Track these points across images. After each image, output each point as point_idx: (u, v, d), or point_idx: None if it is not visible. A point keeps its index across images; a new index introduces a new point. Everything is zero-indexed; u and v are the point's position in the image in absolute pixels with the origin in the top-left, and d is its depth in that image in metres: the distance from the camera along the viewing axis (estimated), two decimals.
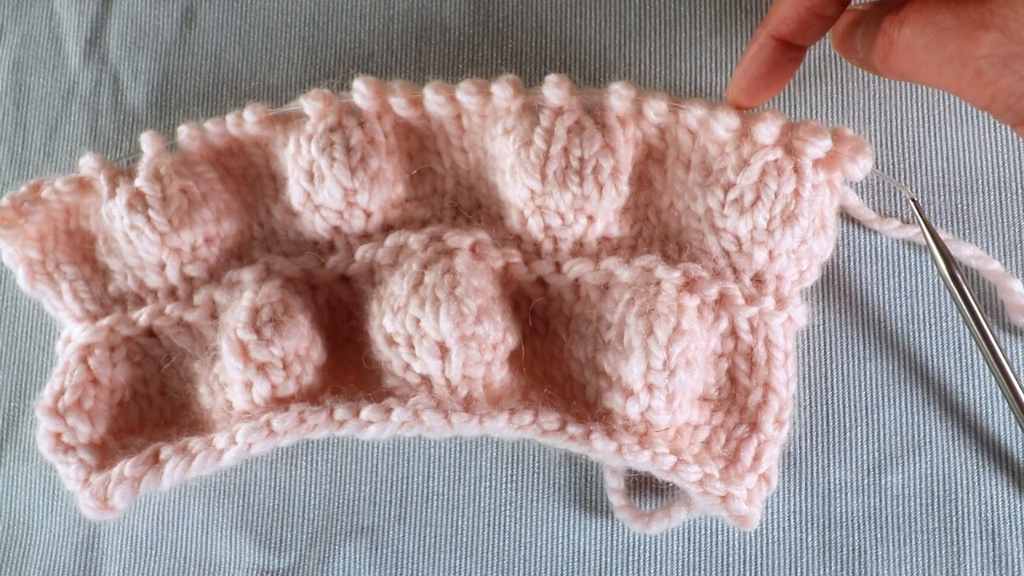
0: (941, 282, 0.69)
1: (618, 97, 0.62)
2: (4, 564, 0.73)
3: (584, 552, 0.70)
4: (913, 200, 0.66)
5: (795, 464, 0.69)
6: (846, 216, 0.71)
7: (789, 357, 0.65)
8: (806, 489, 0.69)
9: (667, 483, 0.65)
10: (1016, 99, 0.47)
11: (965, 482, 0.68)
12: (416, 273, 0.63)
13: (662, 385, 0.61)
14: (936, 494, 0.68)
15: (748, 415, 0.65)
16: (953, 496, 0.68)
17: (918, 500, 0.68)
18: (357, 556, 0.71)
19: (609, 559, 0.70)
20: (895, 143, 0.72)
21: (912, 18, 0.52)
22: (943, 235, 0.69)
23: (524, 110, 0.64)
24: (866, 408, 0.69)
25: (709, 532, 0.69)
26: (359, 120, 0.65)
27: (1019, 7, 0.46)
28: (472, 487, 0.71)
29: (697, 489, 0.62)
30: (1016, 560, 0.67)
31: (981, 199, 0.71)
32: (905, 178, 0.71)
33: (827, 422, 0.69)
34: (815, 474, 0.69)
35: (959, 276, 0.64)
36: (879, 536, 0.68)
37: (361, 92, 0.65)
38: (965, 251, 0.69)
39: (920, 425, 0.69)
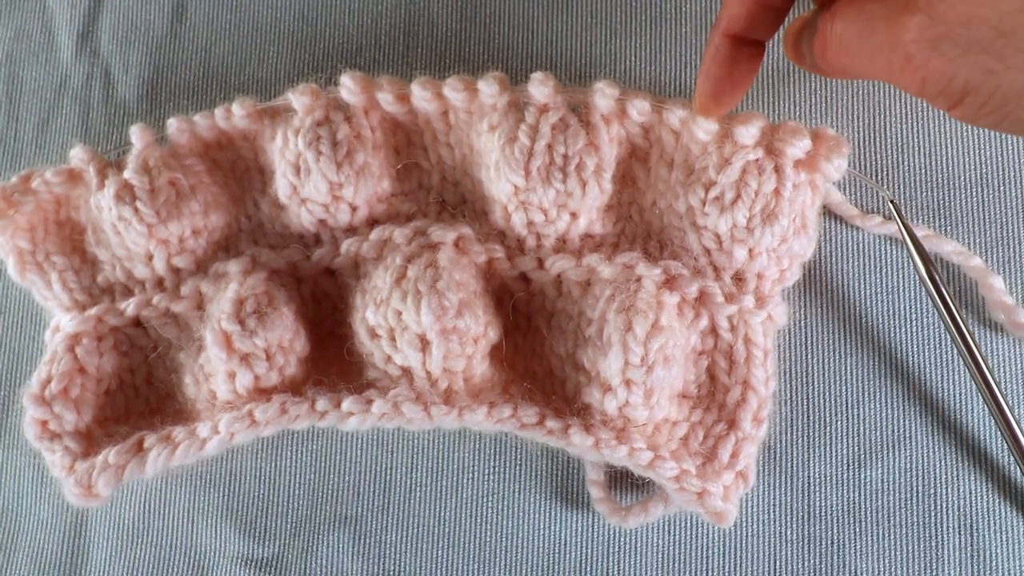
0: None
1: (602, 96, 0.63)
2: None
3: (565, 543, 0.71)
4: (892, 202, 0.66)
5: (775, 458, 0.70)
6: (828, 212, 0.71)
7: (769, 355, 0.66)
8: (785, 483, 0.70)
9: (646, 478, 0.65)
10: (947, 82, 0.46)
11: (943, 477, 0.69)
12: (399, 266, 0.63)
13: (640, 381, 0.61)
14: (915, 489, 0.69)
15: (727, 412, 0.65)
16: (932, 491, 0.69)
17: (897, 494, 0.69)
18: (340, 546, 0.72)
19: (590, 550, 0.70)
20: (878, 139, 0.72)
21: (843, 12, 0.52)
22: (924, 231, 0.69)
23: (510, 107, 0.64)
24: (846, 403, 0.70)
25: (689, 525, 0.70)
26: (346, 115, 0.66)
27: None
28: (455, 478, 0.72)
29: (674, 485, 0.62)
30: (993, 555, 0.68)
31: (963, 195, 0.71)
32: (887, 174, 0.71)
33: (807, 416, 0.70)
34: (794, 468, 0.70)
35: (938, 279, 0.64)
36: (858, 530, 0.69)
37: (349, 87, 0.65)
38: (946, 247, 0.69)
39: (899, 420, 0.69)
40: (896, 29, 0.47)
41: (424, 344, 0.62)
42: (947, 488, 0.69)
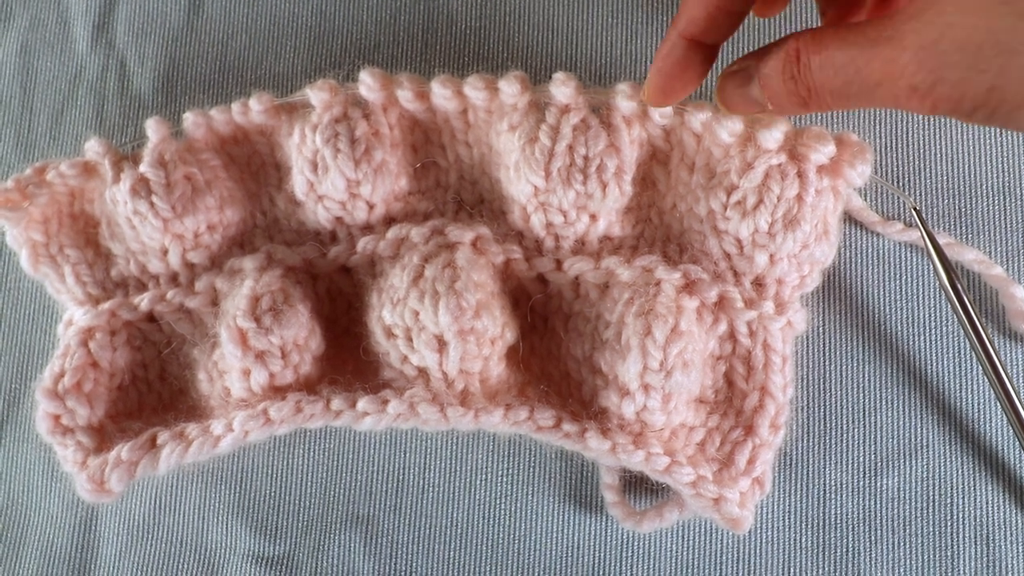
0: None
1: (625, 97, 0.62)
2: (2, 544, 0.74)
3: (578, 547, 0.70)
4: (915, 209, 0.66)
5: (791, 464, 0.69)
6: (849, 218, 0.70)
7: (787, 362, 0.66)
8: (801, 490, 0.69)
9: (662, 483, 0.65)
10: (955, 103, 0.47)
11: (960, 487, 0.69)
12: (416, 266, 0.63)
13: (658, 385, 0.61)
14: (931, 498, 0.69)
15: (744, 419, 0.65)
16: (948, 500, 0.68)
17: (913, 503, 0.69)
18: (352, 545, 0.71)
19: (603, 555, 0.70)
20: (900, 146, 0.72)
21: (819, 60, 0.51)
22: (946, 239, 0.69)
23: (531, 107, 0.64)
24: (863, 410, 0.69)
25: (703, 531, 0.70)
26: (364, 112, 0.66)
27: (924, 17, 0.47)
28: (468, 480, 0.71)
29: (690, 491, 0.62)
30: (1009, 566, 0.67)
31: (984, 204, 0.71)
32: (909, 182, 0.71)
33: (824, 423, 0.70)
34: (811, 475, 0.69)
35: (959, 287, 0.64)
36: (873, 538, 0.68)
37: (368, 84, 0.65)
38: (967, 255, 0.69)
39: (917, 429, 0.69)
40: (891, 68, 0.48)
41: (441, 345, 0.62)
42: (964, 498, 0.68)
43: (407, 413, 0.62)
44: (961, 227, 0.71)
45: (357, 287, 0.69)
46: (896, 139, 0.72)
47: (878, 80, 0.49)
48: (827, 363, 0.70)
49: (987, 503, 0.68)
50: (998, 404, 0.68)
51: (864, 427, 0.69)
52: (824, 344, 0.70)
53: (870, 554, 0.68)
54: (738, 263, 0.64)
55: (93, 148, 0.67)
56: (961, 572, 0.68)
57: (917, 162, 0.71)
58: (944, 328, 0.70)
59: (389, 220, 0.68)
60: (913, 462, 0.69)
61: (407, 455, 0.72)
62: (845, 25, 0.51)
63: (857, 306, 0.70)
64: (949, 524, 0.68)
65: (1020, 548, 0.68)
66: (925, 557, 0.68)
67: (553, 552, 0.70)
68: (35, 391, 0.65)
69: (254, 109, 0.67)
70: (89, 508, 0.73)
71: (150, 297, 0.68)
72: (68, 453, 0.65)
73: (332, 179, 0.65)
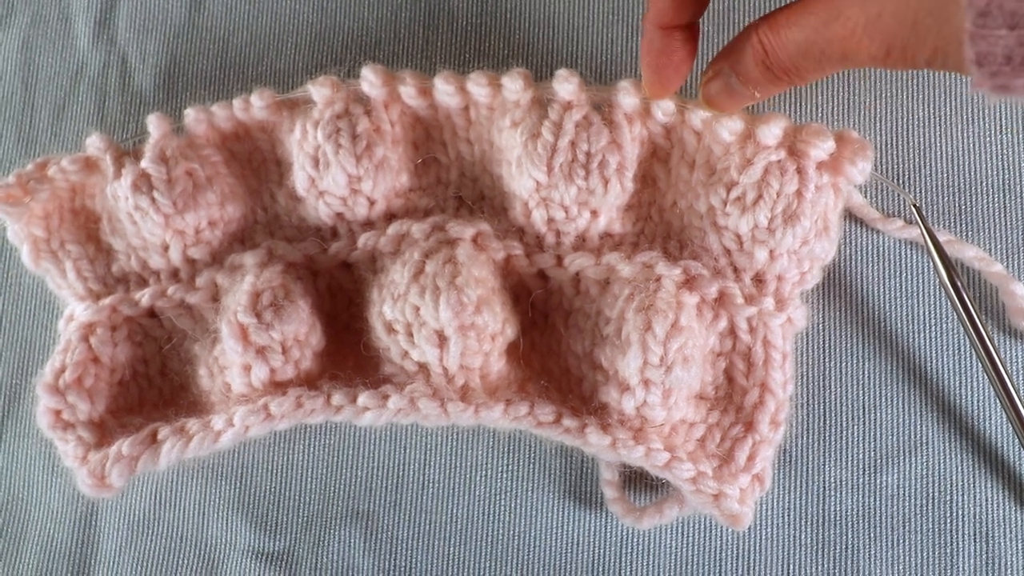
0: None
1: (627, 95, 0.63)
2: (2, 539, 0.74)
3: (578, 543, 0.70)
4: (915, 206, 0.66)
5: (790, 461, 0.69)
6: (849, 215, 0.70)
7: (787, 358, 0.66)
8: (801, 486, 0.69)
9: (661, 479, 0.65)
10: (909, 63, 0.50)
11: (960, 484, 0.68)
12: (417, 262, 0.63)
13: (658, 381, 0.61)
14: (931, 495, 0.68)
15: (744, 415, 0.65)
16: (948, 497, 0.68)
17: (913, 500, 0.69)
18: (352, 541, 0.71)
19: (602, 551, 0.70)
20: (900, 144, 0.72)
21: (781, 43, 0.54)
22: (946, 236, 0.69)
23: (533, 103, 0.64)
24: (863, 407, 0.69)
25: (703, 527, 0.70)
26: (366, 108, 0.66)
27: None
28: (468, 475, 0.71)
29: (690, 487, 0.62)
30: (1009, 563, 0.67)
31: (985, 201, 0.71)
32: (910, 179, 0.71)
33: (823, 420, 0.70)
34: (810, 472, 0.69)
35: (959, 284, 0.64)
36: (873, 535, 0.68)
37: (370, 80, 0.65)
38: (968, 253, 0.69)
39: (916, 426, 0.69)
40: (848, 43, 0.51)
41: (442, 340, 0.62)
42: (963, 495, 0.68)
43: (407, 408, 0.62)
44: (961, 224, 0.71)
45: (358, 283, 0.69)
46: (896, 136, 0.72)
47: (842, 54, 0.52)
48: (827, 360, 0.70)
49: (987, 500, 0.68)
50: (998, 402, 0.68)
51: (864, 424, 0.69)
52: (824, 341, 0.70)
53: (869, 551, 0.68)
54: (738, 259, 0.64)
55: (94, 144, 0.67)
56: (960, 569, 0.68)
57: (917, 159, 0.71)
58: (944, 325, 0.70)
59: (390, 216, 0.68)
60: (913, 459, 0.69)
61: (407, 451, 0.72)
62: (794, 7, 0.53)
63: (857, 303, 0.70)
64: (949, 521, 0.68)
65: (1019, 545, 0.68)
66: (924, 554, 0.68)
67: (553, 548, 0.70)
68: (36, 386, 0.65)
69: (255, 105, 0.67)
70: (89, 503, 0.73)
71: (151, 293, 0.68)
72: (69, 448, 0.65)
73: (333, 175, 0.65)
